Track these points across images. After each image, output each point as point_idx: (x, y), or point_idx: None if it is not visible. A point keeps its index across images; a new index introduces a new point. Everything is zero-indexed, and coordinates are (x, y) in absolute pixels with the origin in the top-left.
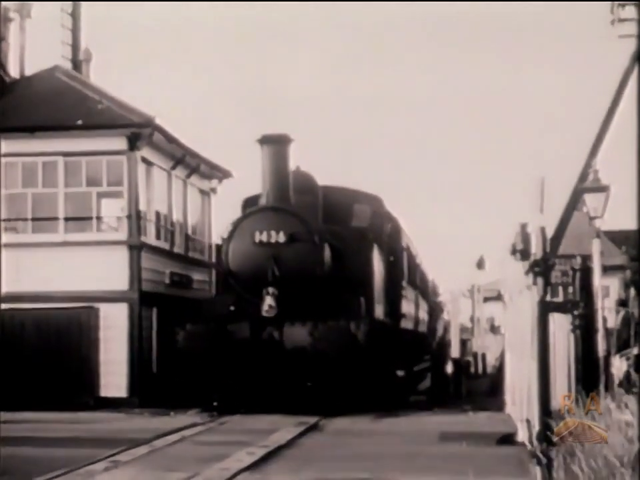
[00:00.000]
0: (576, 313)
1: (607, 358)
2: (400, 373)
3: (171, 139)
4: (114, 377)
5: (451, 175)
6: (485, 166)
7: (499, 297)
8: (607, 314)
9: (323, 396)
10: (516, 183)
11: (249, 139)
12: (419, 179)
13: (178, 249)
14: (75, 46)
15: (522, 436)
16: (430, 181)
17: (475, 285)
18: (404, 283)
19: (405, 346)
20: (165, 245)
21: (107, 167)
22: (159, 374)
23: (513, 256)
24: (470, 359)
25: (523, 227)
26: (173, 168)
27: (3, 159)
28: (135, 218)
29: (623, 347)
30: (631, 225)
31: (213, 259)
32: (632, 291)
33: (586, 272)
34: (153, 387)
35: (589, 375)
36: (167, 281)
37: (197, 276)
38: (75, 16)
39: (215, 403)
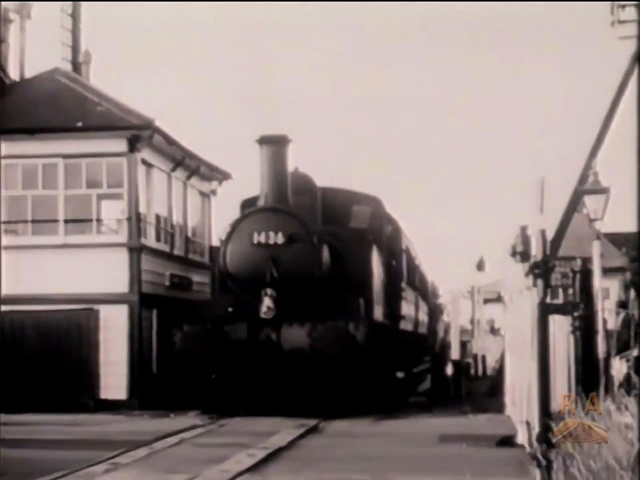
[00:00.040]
0: (576, 314)
1: (607, 359)
2: (399, 374)
3: (170, 141)
4: (114, 379)
5: (451, 175)
6: (484, 166)
7: (499, 299)
8: (607, 315)
9: (322, 398)
10: (516, 183)
11: (248, 139)
12: (419, 179)
13: (178, 251)
14: (75, 47)
15: (521, 438)
16: (430, 181)
17: (474, 286)
18: (403, 284)
19: (404, 347)
20: (165, 247)
21: (107, 169)
22: (158, 376)
23: (512, 258)
24: (470, 360)
25: (523, 229)
26: (173, 170)
27: (3, 161)
28: (135, 220)
29: (622, 348)
30: (631, 227)
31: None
32: (632, 293)
33: (586, 274)
34: (152, 389)
35: (589, 377)
36: (167, 282)
37: (196, 278)
38: (74, 16)
39: (215, 405)
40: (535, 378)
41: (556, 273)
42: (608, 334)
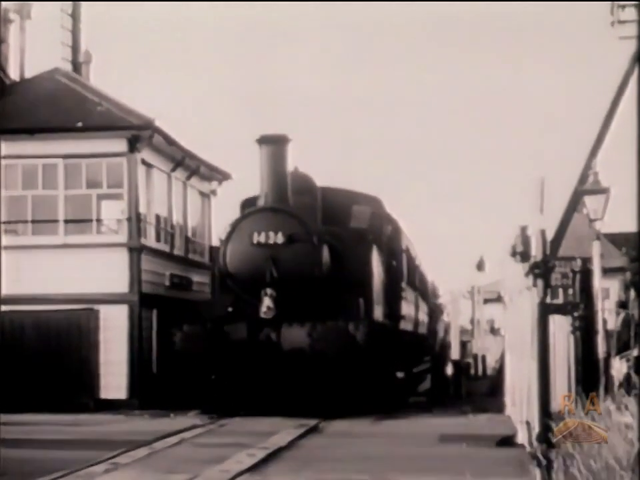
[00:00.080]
0: (576, 314)
1: (607, 359)
2: (399, 374)
3: (170, 141)
4: (114, 379)
5: (451, 174)
6: (485, 166)
7: (499, 299)
8: (607, 316)
9: (322, 398)
10: (516, 183)
11: (248, 139)
12: (419, 179)
13: (178, 251)
14: (75, 47)
15: (522, 437)
16: (430, 181)
17: (474, 286)
18: (403, 284)
19: (404, 347)
20: (165, 247)
21: (107, 169)
22: (158, 376)
23: (512, 258)
24: (470, 360)
25: (523, 229)
26: (173, 170)
27: (3, 161)
28: (135, 220)
29: (622, 348)
30: (631, 227)
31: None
32: (632, 293)
33: (586, 274)
34: (152, 389)
35: (589, 377)
36: (167, 282)
37: (196, 278)
38: (74, 16)
39: (215, 405)
40: (534, 378)
41: (556, 273)
42: (608, 334)
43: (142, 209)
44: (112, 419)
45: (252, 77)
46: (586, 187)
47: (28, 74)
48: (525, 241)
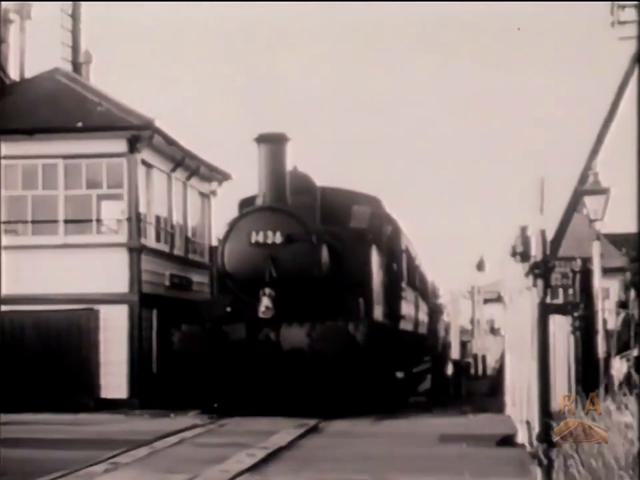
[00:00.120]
0: (576, 314)
1: (607, 359)
2: (399, 374)
3: (170, 142)
4: (114, 379)
5: (451, 174)
6: (485, 166)
7: (499, 299)
8: (607, 316)
9: (322, 397)
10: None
11: (248, 139)
12: (419, 179)
13: (178, 251)
14: (75, 47)
15: (522, 437)
16: (430, 181)
17: (474, 286)
18: (403, 284)
19: (404, 347)
20: (164, 248)
21: (107, 170)
22: (158, 376)
23: (512, 258)
24: (470, 360)
25: (523, 229)
26: (173, 170)
27: (3, 161)
28: (135, 220)
29: (623, 348)
30: (631, 227)
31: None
32: (632, 293)
33: (586, 274)
34: (152, 389)
35: (589, 377)
36: (167, 282)
37: (196, 278)
38: (74, 17)
39: (214, 405)
40: (534, 378)
41: (556, 273)
42: (608, 334)
43: (142, 209)
44: (112, 418)
45: (252, 77)
46: (586, 187)
47: (28, 74)
48: (525, 241)
